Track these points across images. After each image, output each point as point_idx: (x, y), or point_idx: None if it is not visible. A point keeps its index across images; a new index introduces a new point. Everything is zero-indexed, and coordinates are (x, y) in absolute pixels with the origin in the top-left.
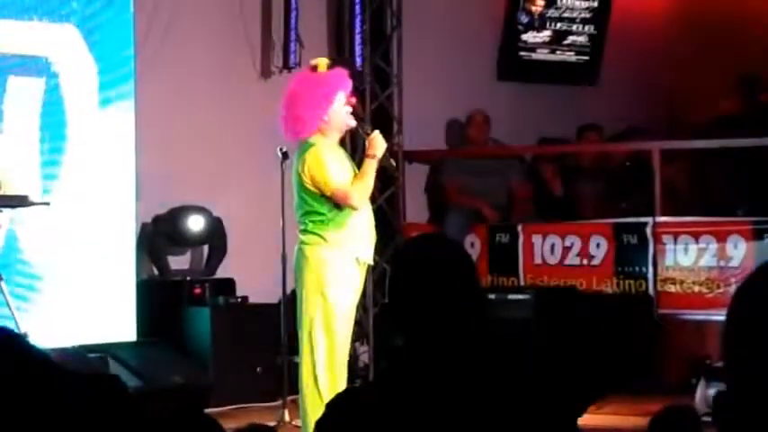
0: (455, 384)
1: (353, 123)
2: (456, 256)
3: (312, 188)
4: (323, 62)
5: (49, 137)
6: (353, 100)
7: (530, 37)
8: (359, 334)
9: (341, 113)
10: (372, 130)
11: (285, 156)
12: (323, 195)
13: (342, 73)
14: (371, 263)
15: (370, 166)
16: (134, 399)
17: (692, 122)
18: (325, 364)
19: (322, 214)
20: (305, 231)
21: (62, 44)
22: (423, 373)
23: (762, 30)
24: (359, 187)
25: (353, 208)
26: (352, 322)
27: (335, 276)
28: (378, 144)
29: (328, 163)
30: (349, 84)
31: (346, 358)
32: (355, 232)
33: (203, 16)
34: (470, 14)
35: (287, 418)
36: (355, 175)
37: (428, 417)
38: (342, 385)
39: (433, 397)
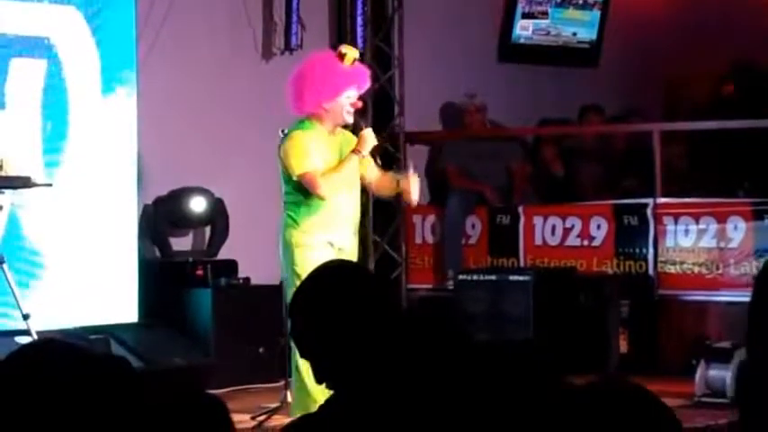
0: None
1: (350, 121)
2: (360, 281)
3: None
4: (351, 56)
5: (51, 118)
6: (360, 104)
7: (530, 19)
8: None
9: (343, 109)
10: (365, 127)
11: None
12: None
13: (361, 72)
14: (348, 247)
15: (351, 161)
16: (140, 383)
17: (692, 104)
18: None
19: (296, 196)
20: (284, 213)
21: (64, 25)
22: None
23: (761, 13)
24: (330, 178)
25: (320, 197)
26: None
27: (308, 259)
28: (367, 141)
29: (305, 148)
30: (365, 85)
31: None
32: (331, 217)
33: None
34: None
35: (289, 398)
36: (335, 165)
37: None
38: None
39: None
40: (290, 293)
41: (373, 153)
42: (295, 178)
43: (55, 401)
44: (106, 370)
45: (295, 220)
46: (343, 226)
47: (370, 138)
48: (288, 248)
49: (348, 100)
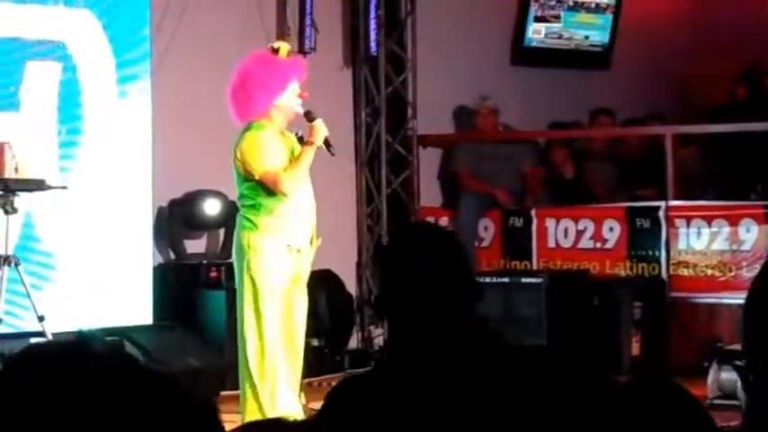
0: (451, 372)
1: (301, 111)
2: (449, 243)
3: (243, 172)
4: (285, 47)
5: (66, 121)
6: (306, 94)
7: (543, 22)
8: (373, 317)
9: (291, 101)
10: (315, 118)
11: (300, 140)
12: (253, 180)
13: (300, 62)
14: (306, 249)
15: (307, 154)
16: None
17: (705, 106)
18: (256, 347)
19: (253, 199)
20: (240, 215)
21: (78, 29)
22: (418, 360)
23: None
24: (291, 173)
25: (283, 194)
26: (292, 307)
27: (264, 262)
28: (318, 132)
29: (264, 147)
30: (304, 74)
31: (290, 342)
32: (289, 219)
33: (218, 1)
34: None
35: (303, 400)
36: (290, 161)
37: (425, 405)
38: (278, 368)
39: (430, 386)
40: (243, 299)
41: (326, 143)
42: (257, 178)
43: (55, 402)
44: (108, 371)
45: (253, 223)
46: (301, 228)
47: (320, 128)
48: (243, 252)
49: (294, 92)
